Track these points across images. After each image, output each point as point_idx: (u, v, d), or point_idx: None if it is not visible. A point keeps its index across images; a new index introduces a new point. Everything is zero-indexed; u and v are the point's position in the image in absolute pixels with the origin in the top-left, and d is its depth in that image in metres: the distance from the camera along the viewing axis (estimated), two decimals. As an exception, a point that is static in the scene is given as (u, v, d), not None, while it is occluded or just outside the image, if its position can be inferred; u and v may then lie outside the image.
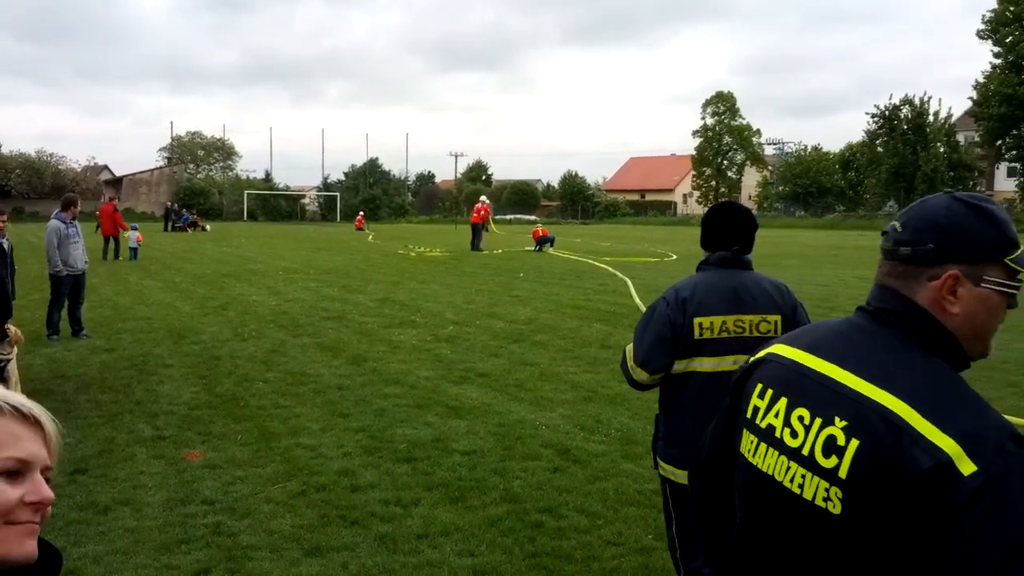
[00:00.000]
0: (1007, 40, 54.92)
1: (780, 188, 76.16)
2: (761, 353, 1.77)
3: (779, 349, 1.71)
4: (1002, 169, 66.84)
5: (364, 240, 39.55)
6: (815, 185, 71.49)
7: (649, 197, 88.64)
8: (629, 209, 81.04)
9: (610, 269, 22.40)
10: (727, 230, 3.48)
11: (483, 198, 36.37)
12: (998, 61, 56.05)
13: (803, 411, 1.56)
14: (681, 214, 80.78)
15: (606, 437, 6.86)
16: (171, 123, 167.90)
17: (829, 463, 1.48)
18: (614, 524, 5.06)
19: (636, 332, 3.51)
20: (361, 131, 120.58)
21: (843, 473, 1.45)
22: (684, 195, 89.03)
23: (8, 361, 7.49)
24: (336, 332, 12.07)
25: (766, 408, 1.65)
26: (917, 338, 1.53)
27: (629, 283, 18.33)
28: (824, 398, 1.53)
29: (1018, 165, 59.70)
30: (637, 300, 15.46)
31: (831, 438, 1.49)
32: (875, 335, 1.57)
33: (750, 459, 1.68)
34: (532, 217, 73.69)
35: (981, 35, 56.40)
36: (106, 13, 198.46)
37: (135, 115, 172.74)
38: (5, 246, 9.05)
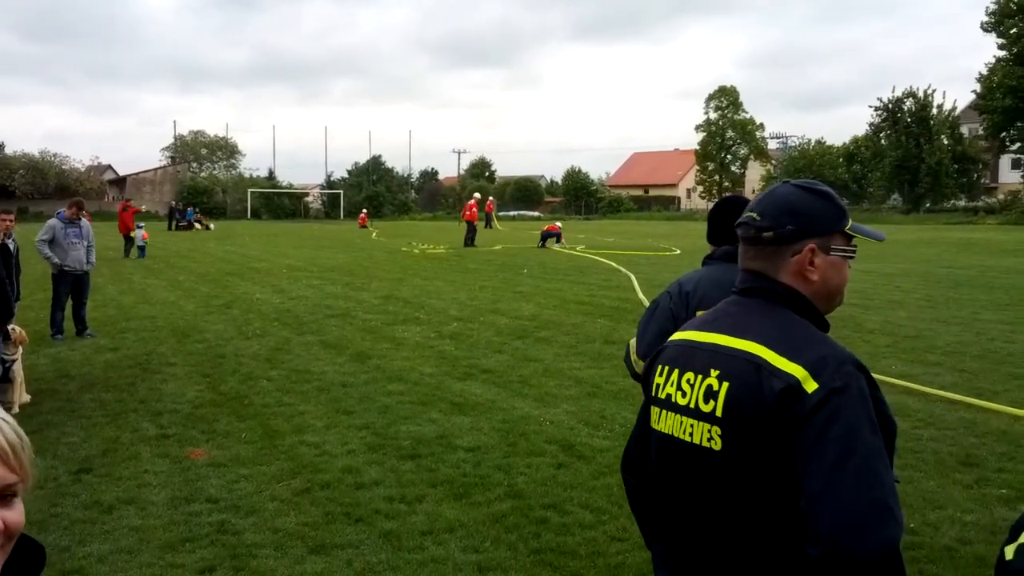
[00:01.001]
0: (1012, 32, 54.69)
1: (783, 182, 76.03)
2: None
3: (675, 336, 1.97)
4: (1006, 161, 66.61)
5: (367, 237, 39.57)
6: (819, 179, 71.06)
7: (653, 192, 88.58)
8: (632, 204, 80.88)
9: (614, 264, 22.38)
10: (732, 224, 3.45)
11: (476, 195, 36.45)
12: (1002, 53, 55.81)
13: (690, 374, 1.82)
14: (685, 209, 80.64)
15: (610, 432, 6.85)
16: (174, 122, 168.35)
17: (708, 407, 1.74)
18: (619, 520, 5.04)
19: (639, 325, 3.51)
20: (364, 129, 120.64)
21: (719, 412, 1.71)
22: (688, 190, 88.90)
23: (13, 362, 7.52)
24: (340, 329, 12.07)
25: (664, 382, 1.89)
26: (777, 301, 1.80)
27: (633, 278, 18.31)
28: (704, 359, 1.80)
29: (1023, 157, 59.52)
30: (641, 295, 15.44)
31: (709, 387, 1.75)
32: (745, 305, 1.84)
33: (656, 427, 1.91)
34: (535, 213, 73.63)
35: (985, 27, 56.15)
36: (113, 13, 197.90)
37: (141, 115, 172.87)
38: (11, 246, 9.05)
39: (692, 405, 1.78)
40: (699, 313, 3.32)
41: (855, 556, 1.50)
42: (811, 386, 1.60)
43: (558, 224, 34.41)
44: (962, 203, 63.31)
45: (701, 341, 1.85)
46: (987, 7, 55.73)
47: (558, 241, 30.93)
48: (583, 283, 18.10)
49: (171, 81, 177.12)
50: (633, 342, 3.52)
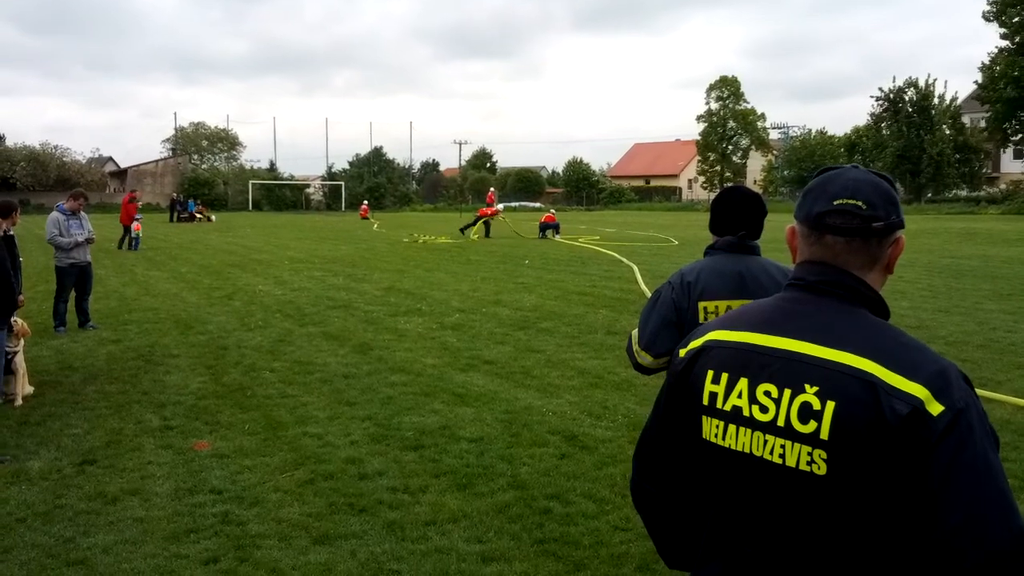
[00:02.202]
0: (1014, 21, 54.41)
1: (785, 172, 75.86)
2: (697, 343, 1.81)
3: (719, 335, 1.77)
4: (1008, 151, 66.40)
5: (369, 229, 39.54)
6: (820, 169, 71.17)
7: (654, 183, 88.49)
8: (634, 195, 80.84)
9: (616, 255, 22.36)
10: (734, 215, 3.45)
11: (500, 208, 36.13)
12: (1004, 43, 55.55)
13: (768, 386, 1.64)
14: (686, 199, 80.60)
15: (613, 423, 6.86)
16: (175, 114, 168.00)
17: (807, 428, 1.57)
18: (622, 510, 5.06)
19: (641, 316, 3.51)
20: (365, 120, 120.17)
21: (824, 435, 1.55)
22: (689, 180, 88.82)
23: (15, 354, 7.52)
24: (342, 321, 12.07)
25: (725, 392, 1.70)
26: (856, 301, 1.66)
27: (635, 269, 18.30)
28: (788, 370, 1.62)
29: (1025, 147, 59.30)
30: (643, 286, 15.43)
31: (805, 405, 1.58)
32: (820, 304, 1.68)
33: (719, 443, 1.72)
34: (537, 204, 73.55)
35: (987, 16, 55.88)
36: (114, 5, 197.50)
37: (142, 107, 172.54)
38: (14, 236, 9.02)
39: (781, 423, 1.61)
40: (702, 304, 3.34)
41: None
42: (935, 408, 1.49)
43: (552, 211, 34.30)
44: (964, 193, 63.23)
45: (771, 347, 1.67)
46: (989, -4, 55.46)
47: (556, 232, 30.86)
48: (584, 274, 18.09)
49: (172, 73, 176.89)
50: (635, 332, 3.52)
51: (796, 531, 1.62)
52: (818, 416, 1.56)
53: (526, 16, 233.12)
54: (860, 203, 1.65)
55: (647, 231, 35.07)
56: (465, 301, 13.98)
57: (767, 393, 1.64)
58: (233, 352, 9.86)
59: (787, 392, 1.61)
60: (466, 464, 5.89)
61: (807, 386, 1.59)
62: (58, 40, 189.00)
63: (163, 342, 10.53)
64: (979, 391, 7.66)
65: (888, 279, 1.74)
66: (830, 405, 1.55)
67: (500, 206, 35.27)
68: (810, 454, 1.57)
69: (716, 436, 1.73)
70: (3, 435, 6.57)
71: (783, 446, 1.61)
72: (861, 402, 1.53)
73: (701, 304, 3.33)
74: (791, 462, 1.59)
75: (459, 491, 5.39)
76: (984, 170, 68.14)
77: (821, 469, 1.56)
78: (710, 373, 1.74)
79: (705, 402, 1.74)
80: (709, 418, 1.74)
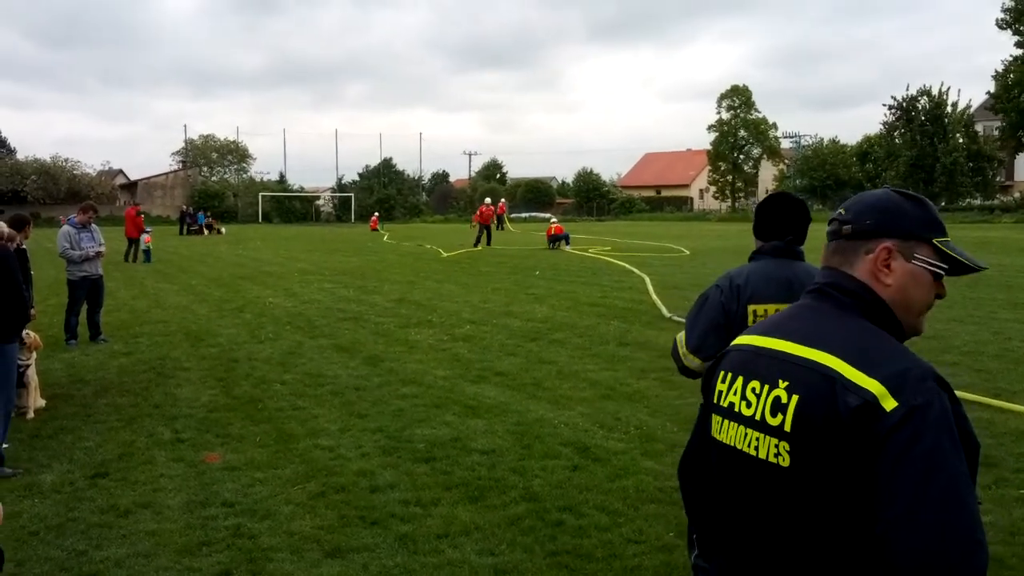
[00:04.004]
0: (1028, 29, 54.12)
1: (797, 181, 75.58)
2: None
3: (739, 340, 1.89)
4: (1022, 159, 66.07)
5: (379, 240, 39.61)
6: (832, 178, 70.91)
7: (665, 193, 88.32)
8: (645, 205, 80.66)
9: (627, 266, 22.31)
10: (782, 220, 3.53)
11: (487, 200, 37.21)
12: (1018, 51, 55.26)
13: (755, 383, 1.73)
14: (697, 209, 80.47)
15: (625, 435, 6.82)
16: (184, 126, 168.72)
17: (776, 421, 1.65)
18: (635, 522, 5.03)
19: (688, 319, 3.55)
20: (375, 131, 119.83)
21: (788, 427, 1.62)
22: (700, 190, 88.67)
23: (27, 367, 7.54)
24: (352, 333, 12.07)
25: (727, 390, 1.82)
26: (853, 306, 1.72)
27: (647, 279, 18.25)
28: (771, 368, 1.71)
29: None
30: (654, 296, 15.39)
31: (776, 399, 1.66)
32: (818, 309, 1.76)
33: (718, 438, 1.82)
34: (547, 215, 73.53)
35: (1000, 24, 55.61)
36: (126, 19, 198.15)
37: (154, 120, 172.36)
38: (26, 250, 9.06)
39: (758, 417, 1.69)
40: (751, 307, 3.36)
41: None
42: (890, 404, 1.50)
43: (555, 221, 34.51)
44: (977, 202, 62.86)
45: (767, 347, 1.76)
46: (1003, 4, 55.17)
47: (567, 243, 30.82)
48: (596, 284, 18.05)
49: (185, 86, 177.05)
50: (681, 336, 3.55)
51: (768, 522, 1.68)
52: (784, 409, 1.64)
53: (541, 28, 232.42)
54: (842, 210, 1.80)
55: (658, 241, 35.00)
56: (476, 312, 13.97)
57: (753, 390, 1.73)
58: (244, 364, 9.86)
59: (766, 388, 1.70)
60: (478, 476, 5.87)
61: (780, 381, 1.67)
62: (73, 54, 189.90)
63: (174, 355, 10.55)
64: (994, 401, 7.63)
65: (899, 297, 1.73)
66: (794, 398, 1.63)
67: (487, 200, 36.39)
68: (776, 446, 1.64)
69: (717, 432, 1.84)
70: (15, 448, 6.58)
71: (757, 439, 1.69)
72: (820, 395, 1.58)
73: (751, 307, 3.37)
74: (762, 454, 1.67)
75: (471, 503, 5.37)
76: (998, 178, 67.74)
77: (785, 461, 1.62)
78: (721, 374, 1.86)
79: (714, 400, 1.86)
80: (715, 415, 1.86)
